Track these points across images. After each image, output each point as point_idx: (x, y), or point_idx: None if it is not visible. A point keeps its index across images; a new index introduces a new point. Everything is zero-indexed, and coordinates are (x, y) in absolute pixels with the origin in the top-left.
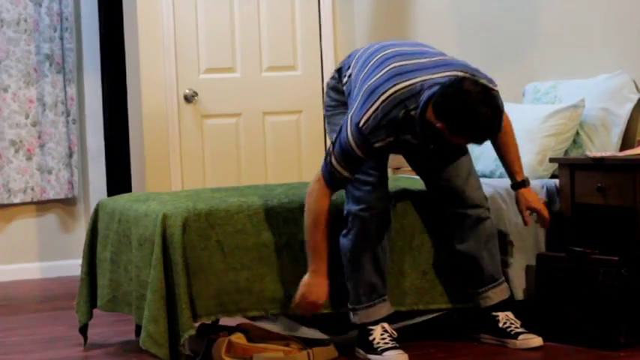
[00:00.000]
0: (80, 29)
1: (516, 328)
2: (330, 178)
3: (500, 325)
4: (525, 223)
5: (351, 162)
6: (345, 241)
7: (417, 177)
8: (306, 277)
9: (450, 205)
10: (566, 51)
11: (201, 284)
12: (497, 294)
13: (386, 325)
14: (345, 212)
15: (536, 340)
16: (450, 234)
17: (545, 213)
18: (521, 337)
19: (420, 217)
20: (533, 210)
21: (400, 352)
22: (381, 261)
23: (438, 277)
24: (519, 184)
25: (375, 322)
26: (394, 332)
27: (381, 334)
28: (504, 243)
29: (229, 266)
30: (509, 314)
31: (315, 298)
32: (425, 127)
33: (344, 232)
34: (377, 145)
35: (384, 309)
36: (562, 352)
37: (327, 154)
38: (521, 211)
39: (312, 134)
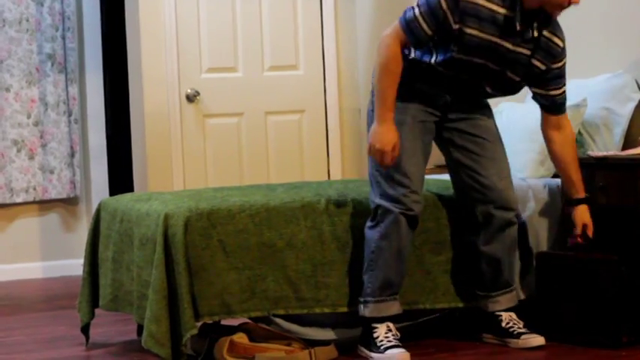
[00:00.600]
0: (82, 29)
1: (519, 328)
2: (408, 27)
3: (503, 324)
4: (580, 238)
5: (434, 15)
6: (371, 233)
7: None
8: (372, 126)
9: (481, 204)
10: (568, 51)
11: (203, 284)
12: (507, 300)
13: (391, 324)
14: (373, 205)
15: (538, 340)
16: (474, 233)
17: (591, 230)
18: (523, 336)
19: (424, 217)
20: (585, 225)
21: (402, 350)
22: (403, 259)
23: (441, 277)
24: (582, 201)
25: (382, 320)
26: (398, 333)
27: (385, 333)
28: None
29: (231, 266)
30: (513, 315)
31: (380, 146)
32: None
33: (371, 224)
34: (464, 2)
35: (394, 307)
36: (563, 352)
37: (409, 8)
38: (577, 225)
39: (315, 134)
